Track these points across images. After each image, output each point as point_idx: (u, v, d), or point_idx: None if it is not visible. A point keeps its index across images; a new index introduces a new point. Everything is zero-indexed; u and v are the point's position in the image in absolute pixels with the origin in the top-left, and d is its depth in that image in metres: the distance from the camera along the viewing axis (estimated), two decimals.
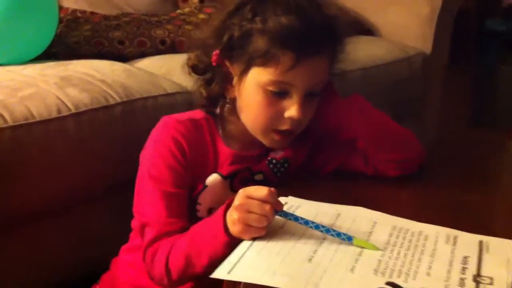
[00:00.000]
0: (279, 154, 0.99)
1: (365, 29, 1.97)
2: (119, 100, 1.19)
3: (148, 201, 0.93)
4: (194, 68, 0.98)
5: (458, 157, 1.21)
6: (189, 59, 0.99)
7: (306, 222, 0.78)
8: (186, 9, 1.77)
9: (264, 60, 0.88)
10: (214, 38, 0.93)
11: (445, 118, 2.55)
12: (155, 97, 1.25)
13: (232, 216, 0.78)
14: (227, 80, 0.94)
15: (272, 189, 0.78)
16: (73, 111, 1.12)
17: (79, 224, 1.23)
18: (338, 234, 0.76)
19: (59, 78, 1.21)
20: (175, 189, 0.92)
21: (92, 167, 1.17)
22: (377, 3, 2.01)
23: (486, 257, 0.75)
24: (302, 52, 0.86)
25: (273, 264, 0.71)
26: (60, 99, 1.13)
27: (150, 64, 1.48)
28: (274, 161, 0.98)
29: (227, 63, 0.93)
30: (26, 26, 1.35)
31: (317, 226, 0.77)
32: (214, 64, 0.94)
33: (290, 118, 0.90)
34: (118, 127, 1.18)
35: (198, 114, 0.99)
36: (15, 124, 1.04)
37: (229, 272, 0.69)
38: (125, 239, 1.05)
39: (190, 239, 0.85)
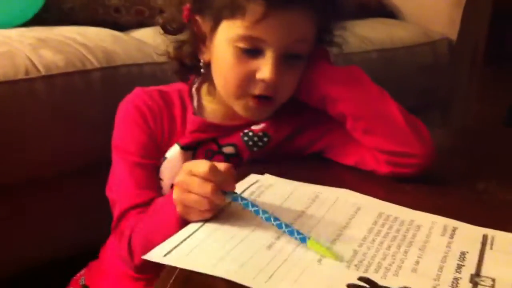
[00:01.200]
0: (258, 127, 0.85)
1: (387, 11, 1.83)
2: (97, 65, 1.08)
3: (115, 174, 0.84)
4: (166, 27, 0.87)
5: (481, 149, 1.04)
6: (161, 17, 0.87)
7: (257, 212, 0.64)
8: None
9: (231, 11, 0.75)
10: None
11: (480, 117, 2.40)
12: (140, 65, 1.14)
13: (174, 195, 0.66)
14: (200, 40, 0.83)
15: (221, 164, 0.65)
16: (43, 73, 1.02)
17: (64, 199, 1.13)
18: (291, 232, 0.61)
19: (36, 39, 1.10)
20: (140, 159, 0.82)
21: (70, 135, 1.06)
22: None
23: (489, 254, 0.62)
24: (272, 0, 0.73)
25: (222, 249, 0.59)
26: (30, 60, 1.02)
27: (146, 33, 1.36)
28: (250, 133, 0.85)
29: (199, 19, 0.81)
30: None
31: (268, 219, 0.63)
32: (185, 20, 0.82)
33: (263, 81, 0.77)
34: (96, 94, 1.08)
35: (175, 86, 0.89)
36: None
37: (165, 255, 0.57)
38: None
39: (148, 217, 0.75)
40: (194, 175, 0.64)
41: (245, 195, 0.70)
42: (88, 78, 1.07)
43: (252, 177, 0.76)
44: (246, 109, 0.81)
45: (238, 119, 0.85)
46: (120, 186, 0.83)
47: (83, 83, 1.06)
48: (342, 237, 0.63)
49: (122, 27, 1.41)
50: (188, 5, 0.81)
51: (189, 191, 0.64)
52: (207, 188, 0.63)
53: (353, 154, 0.83)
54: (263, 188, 0.73)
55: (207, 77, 0.86)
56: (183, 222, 0.65)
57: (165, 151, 0.84)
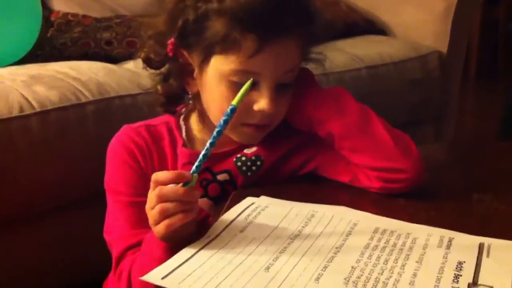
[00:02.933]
0: (251, 151, 0.85)
1: (377, 29, 1.85)
2: (91, 98, 1.10)
3: (110, 216, 0.85)
4: (148, 61, 0.86)
5: (474, 162, 1.04)
6: (141, 51, 0.87)
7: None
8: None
9: (224, 46, 0.76)
10: (168, 25, 0.81)
11: (473, 130, 2.41)
12: (134, 95, 1.16)
13: (149, 221, 0.67)
14: (186, 72, 0.83)
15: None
16: (38, 109, 1.03)
17: (56, 233, 1.14)
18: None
19: (28, 76, 1.12)
20: (132, 198, 0.82)
21: (64, 170, 1.07)
22: (390, 2, 1.88)
23: (486, 262, 0.62)
24: (266, 34, 0.74)
25: (221, 272, 0.59)
26: (24, 97, 1.04)
27: (138, 64, 1.36)
28: (243, 158, 0.85)
29: (185, 53, 0.81)
30: (5, 28, 1.28)
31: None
32: (170, 54, 0.82)
33: (261, 112, 0.78)
34: (90, 127, 1.09)
35: (162, 119, 0.90)
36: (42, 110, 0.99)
37: (163, 278, 0.57)
38: None
39: (141, 254, 0.75)
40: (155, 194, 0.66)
41: (241, 217, 0.71)
42: (82, 111, 1.08)
43: (248, 200, 0.76)
44: (243, 136, 0.82)
45: (229, 145, 0.85)
46: (115, 228, 0.83)
47: (77, 116, 1.08)
48: (339, 254, 0.63)
49: (114, 60, 1.43)
50: (172, 40, 0.81)
51: (155, 205, 0.65)
52: (165, 190, 0.65)
53: (345, 172, 0.84)
54: (259, 209, 0.73)
55: (195, 107, 0.87)
56: (171, 249, 0.66)
57: None
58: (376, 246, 0.65)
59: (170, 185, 0.66)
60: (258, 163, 0.85)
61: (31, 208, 1.07)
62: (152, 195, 0.66)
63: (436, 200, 0.80)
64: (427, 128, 1.80)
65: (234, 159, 0.85)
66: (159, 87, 0.87)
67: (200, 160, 0.67)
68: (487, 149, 1.16)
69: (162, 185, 0.65)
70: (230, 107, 0.67)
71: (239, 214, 0.72)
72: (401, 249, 0.64)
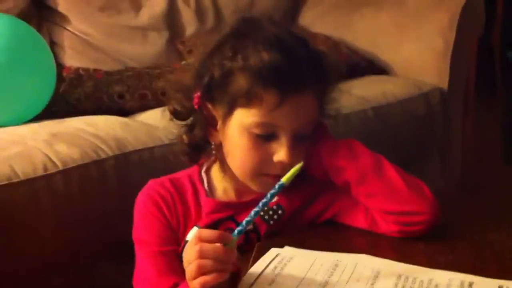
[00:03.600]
0: (273, 200, 0.89)
1: (378, 68, 1.90)
2: (111, 153, 1.14)
3: (139, 267, 0.88)
4: (175, 113, 0.92)
5: (483, 193, 1.08)
6: (169, 104, 0.93)
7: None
8: (191, 60, 1.72)
9: (247, 100, 0.81)
10: (195, 80, 0.87)
11: (478, 154, 2.43)
12: (150, 148, 1.19)
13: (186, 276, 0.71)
14: (210, 124, 0.88)
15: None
16: (61, 167, 1.07)
17: (82, 286, 1.16)
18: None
19: (49, 134, 1.16)
20: (159, 247, 0.87)
21: (86, 225, 1.10)
22: (389, 41, 1.93)
23: None
24: (286, 89, 0.80)
25: None
26: (47, 156, 1.08)
27: (151, 116, 1.42)
28: (265, 207, 0.89)
29: (210, 106, 0.87)
30: (22, 87, 1.33)
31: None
32: (195, 107, 0.88)
33: (280, 162, 0.83)
34: (111, 181, 1.12)
35: (184, 172, 0.94)
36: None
37: None
38: None
39: None
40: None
41: (269, 269, 0.74)
42: (102, 167, 1.12)
43: (273, 251, 0.79)
44: (262, 185, 0.86)
45: (250, 195, 0.89)
46: (143, 278, 0.87)
47: (97, 172, 1.11)
48: None
49: (127, 112, 1.47)
50: (198, 94, 0.86)
51: (194, 260, 0.69)
52: (206, 247, 0.69)
53: (364, 218, 0.87)
54: (285, 261, 0.76)
55: (217, 158, 0.91)
56: None
57: (182, 235, 0.88)
58: None
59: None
60: (280, 212, 0.89)
61: (52, 262, 1.10)
62: (193, 250, 0.69)
63: (452, 242, 0.83)
64: (433, 161, 1.84)
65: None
66: (184, 137, 0.92)
67: (243, 226, 0.71)
68: (495, 178, 1.19)
69: (205, 241, 0.69)
70: (279, 183, 0.74)
71: (266, 267, 0.75)
72: None
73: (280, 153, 0.82)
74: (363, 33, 1.96)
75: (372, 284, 0.70)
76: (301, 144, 0.84)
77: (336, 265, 0.75)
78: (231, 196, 0.91)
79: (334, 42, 1.88)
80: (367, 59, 1.89)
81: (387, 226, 0.85)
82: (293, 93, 0.80)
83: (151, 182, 0.93)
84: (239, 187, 0.90)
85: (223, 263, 0.68)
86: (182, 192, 0.91)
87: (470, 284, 0.69)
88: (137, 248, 0.89)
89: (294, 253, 0.79)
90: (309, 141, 0.86)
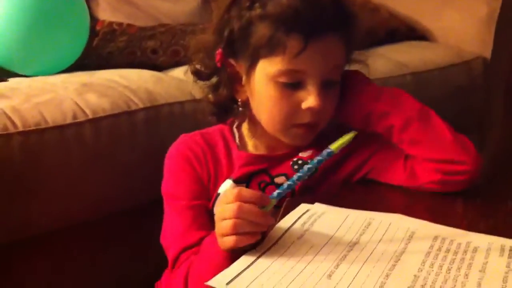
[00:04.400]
0: (306, 154, 0.87)
1: (418, 35, 1.84)
2: (141, 105, 1.12)
3: (167, 221, 0.87)
4: (198, 74, 0.90)
5: None
6: (191, 65, 0.90)
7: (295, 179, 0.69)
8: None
9: (270, 48, 0.78)
10: (215, 37, 0.84)
11: None
12: (181, 103, 1.17)
13: (216, 229, 0.69)
14: (235, 81, 0.85)
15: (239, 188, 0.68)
16: (91, 116, 1.05)
17: (103, 241, 1.16)
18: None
19: (80, 84, 1.14)
20: (188, 201, 0.85)
21: (113, 177, 1.09)
22: (431, 7, 1.87)
23: None
24: (309, 33, 0.76)
25: (284, 279, 0.59)
26: (77, 104, 1.06)
27: (183, 72, 1.40)
28: (300, 161, 0.86)
29: (232, 62, 0.84)
30: (55, 37, 1.31)
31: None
32: (218, 65, 0.85)
33: (309, 110, 0.80)
34: (140, 134, 1.10)
35: (216, 127, 0.93)
36: (26, 129, 0.98)
37: (228, 283, 0.58)
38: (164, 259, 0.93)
39: (198, 259, 0.76)
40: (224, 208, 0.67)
41: (298, 224, 0.72)
42: (132, 119, 1.10)
43: (303, 207, 0.76)
44: (294, 137, 0.83)
45: (284, 148, 0.87)
46: (171, 231, 0.86)
47: (127, 124, 1.09)
48: (400, 263, 0.63)
49: (159, 68, 1.45)
50: (220, 50, 0.84)
51: (230, 218, 0.65)
52: (245, 208, 0.65)
53: (401, 170, 0.84)
54: (315, 217, 0.73)
55: (246, 115, 0.89)
56: (230, 257, 0.66)
57: (212, 190, 0.87)
58: (437, 254, 0.64)
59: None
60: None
61: (79, 215, 1.09)
62: (230, 207, 0.66)
63: (493, 207, 0.79)
64: (471, 135, 1.77)
65: (291, 163, 0.86)
66: (210, 96, 0.89)
67: (284, 189, 0.68)
68: None
69: (243, 201, 0.66)
70: (327, 150, 0.69)
71: (296, 221, 0.72)
72: (463, 258, 0.64)
73: (309, 100, 0.79)
74: None
75: (406, 244, 0.67)
76: (330, 91, 0.82)
77: (369, 223, 0.72)
78: (262, 150, 0.89)
79: (374, 5, 1.82)
80: (407, 24, 1.83)
81: (427, 176, 0.82)
82: (317, 36, 0.77)
83: (182, 137, 0.92)
84: (270, 142, 0.87)
85: (259, 226, 0.66)
86: (213, 146, 0.89)
87: (511, 248, 0.65)
88: (166, 202, 0.88)
89: (325, 210, 0.76)
90: (338, 87, 0.83)
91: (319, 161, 0.69)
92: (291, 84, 0.79)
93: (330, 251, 0.65)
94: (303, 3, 0.76)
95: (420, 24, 1.86)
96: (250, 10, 0.79)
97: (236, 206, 0.65)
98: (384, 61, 1.51)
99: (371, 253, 0.65)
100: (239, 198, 0.66)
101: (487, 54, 1.75)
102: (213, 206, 0.86)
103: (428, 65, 1.57)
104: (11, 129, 0.97)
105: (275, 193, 0.68)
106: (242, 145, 0.90)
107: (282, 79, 0.79)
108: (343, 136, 0.70)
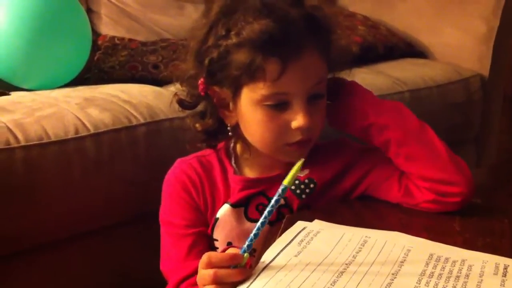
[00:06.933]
0: (303, 174, 0.87)
1: (417, 51, 1.86)
2: (142, 120, 1.13)
3: (164, 248, 0.89)
4: (182, 104, 0.90)
5: None
6: (175, 95, 0.90)
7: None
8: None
9: (250, 75, 0.78)
10: (195, 66, 0.85)
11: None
12: (181, 118, 1.18)
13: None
14: (223, 106, 0.86)
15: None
16: (92, 131, 1.06)
17: (102, 252, 1.16)
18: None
19: (82, 99, 1.16)
20: (186, 230, 0.87)
21: (113, 191, 1.10)
22: (430, 24, 1.89)
23: None
24: (287, 55, 0.77)
25: None
26: (79, 119, 1.07)
27: None
28: (297, 181, 0.87)
29: (217, 89, 0.84)
30: (57, 51, 1.33)
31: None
32: (202, 94, 0.85)
33: (299, 129, 0.80)
34: (141, 148, 1.12)
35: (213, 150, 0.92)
36: (28, 144, 0.99)
37: None
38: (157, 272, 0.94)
39: None
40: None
41: (295, 242, 0.72)
42: (133, 133, 1.11)
43: (300, 224, 0.77)
44: (289, 155, 0.84)
45: (277, 169, 0.87)
46: (170, 260, 0.87)
47: (128, 138, 1.11)
48: (396, 281, 0.64)
49: (160, 82, 1.46)
50: (202, 80, 0.84)
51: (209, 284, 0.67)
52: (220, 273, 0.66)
53: (397, 188, 0.85)
54: (312, 234, 0.74)
55: (238, 137, 0.89)
56: None
57: (210, 215, 0.88)
58: (432, 273, 0.65)
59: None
60: (312, 185, 0.87)
61: (79, 226, 1.10)
62: (206, 274, 0.67)
63: (489, 224, 0.80)
64: (468, 149, 1.79)
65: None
66: (197, 125, 0.89)
67: (251, 239, 0.68)
68: None
69: (216, 267, 0.67)
70: (281, 187, 0.69)
71: (292, 239, 0.73)
72: (458, 277, 0.65)
73: (298, 119, 0.79)
74: (403, 15, 1.92)
75: (402, 263, 0.68)
76: (318, 105, 0.82)
77: (365, 241, 0.73)
78: (258, 171, 0.90)
79: (373, 22, 1.84)
80: (406, 41, 1.85)
81: (421, 195, 0.83)
82: (295, 56, 0.77)
83: (178, 162, 0.92)
84: (266, 162, 0.88)
85: (237, 282, 0.66)
86: (210, 170, 0.90)
87: (506, 267, 0.66)
88: (163, 230, 0.89)
89: (322, 227, 0.77)
90: (325, 100, 0.84)
91: (277, 201, 0.68)
92: (277, 106, 0.80)
93: (326, 269, 0.66)
94: (276, 26, 0.76)
95: (419, 41, 1.87)
96: (226, 38, 0.79)
97: (212, 273, 0.66)
98: (383, 77, 1.53)
99: (367, 271, 0.66)
100: (212, 265, 0.67)
101: (485, 71, 1.76)
102: (212, 231, 0.87)
103: (426, 82, 1.59)
104: (14, 143, 0.98)
105: (245, 246, 0.67)
106: (238, 167, 0.90)
107: (268, 102, 0.80)
108: (293, 168, 0.69)
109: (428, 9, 1.89)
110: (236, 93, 0.82)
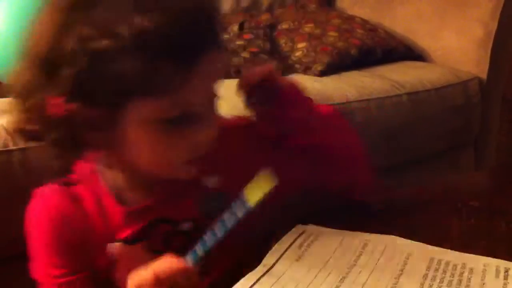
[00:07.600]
0: (212, 184, 0.72)
1: (415, 54, 1.86)
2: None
3: None
4: (27, 134, 0.68)
5: None
6: (13, 122, 0.67)
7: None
8: (225, 37, 1.71)
9: (141, 88, 0.59)
10: (44, 80, 0.62)
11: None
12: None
13: None
14: (91, 129, 0.63)
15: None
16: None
17: None
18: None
19: None
20: (66, 277, 0.71)
21: None
22: (428, 28, 1.89)
23: None
24: (185, 58, 0.60)
25: None
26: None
27: None
28: (207, 199, 0.71)
29: (80, 107, 0.61)
30: None
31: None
32: (59, 117, 0.61)
33: (207, 140, 0.65)
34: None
35: (78, 172, 0.73)
36: (26, 146, 0.98)
37: None
38: None
39: None
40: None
41: (295, 246, 0.72)
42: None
43: (299, 228, 0.77)
44: (187, 173, 0.68)
45: (169, 187, 0.71)
46: None
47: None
48: (399, 285, 0.63)
49: None
50: (59, 99, 0.61)
51: None
52: None
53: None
54: (311, 239, 0.74)
55: (113, 163, 0.70)
56: None
57: (96, 254, 0.72)
58: (434, 277, 0.65)
59: None
60: (224, 199, 0.66)
61: None
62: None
63: (488, 228, 0.80)
64: (467, 152, 1.80)
65: (199, 205, 0.71)
66: (57, 161, 0.69)
67: (201, 250, 0.62)
68: None
69: (165, 285, 0.59)
70: (246, 206, 0.61)
71: (292, 243, 0.73)
72: (460, 280, 0.64)
73: (206, 132, 0.65)
74: (402, 19, 1.92)
75: (403, 267, 0.68)
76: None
77: (365, 245, 0.72)
78: (146, 193, 0.71)
79: (372, 26, 1.84)
80: (405, 44, 1.85)
81: None
82: (196, 59, 0.61)
83: (40, 192, 0.72)
84: (153, 182, 0.70)
85: None
86: (80, 200, 0.71)
87: (507, 270, 0.66)
88: (39, 282, 0.73)
89: (321, 232, 0.76)
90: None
91: (235, 220, 0.60)
92: (178, 120, 0.62)
93: (329, 273, 0.66)
94: (165, 21, 0.58)
95: (417, 45, 1.87)
96: (96, 40, 0.58)
97: None
98: (381, 81, 1.52)
99: (369, 275, 0.66)
100: (160, 283, 0.59)
101: (483, 74, 1.77)
102: (109, 273, 0.72)
103: (425, 85, 1.58)
104: (11, 146, 0.97)
105: (192, 259, 0.61)
106: (118, 194, 0.71)
107: (166, 118, 0.62)
108: (260, 189, 0.59)
109: (427, 13, 1.89)
110: (116, 112, 0.62)
